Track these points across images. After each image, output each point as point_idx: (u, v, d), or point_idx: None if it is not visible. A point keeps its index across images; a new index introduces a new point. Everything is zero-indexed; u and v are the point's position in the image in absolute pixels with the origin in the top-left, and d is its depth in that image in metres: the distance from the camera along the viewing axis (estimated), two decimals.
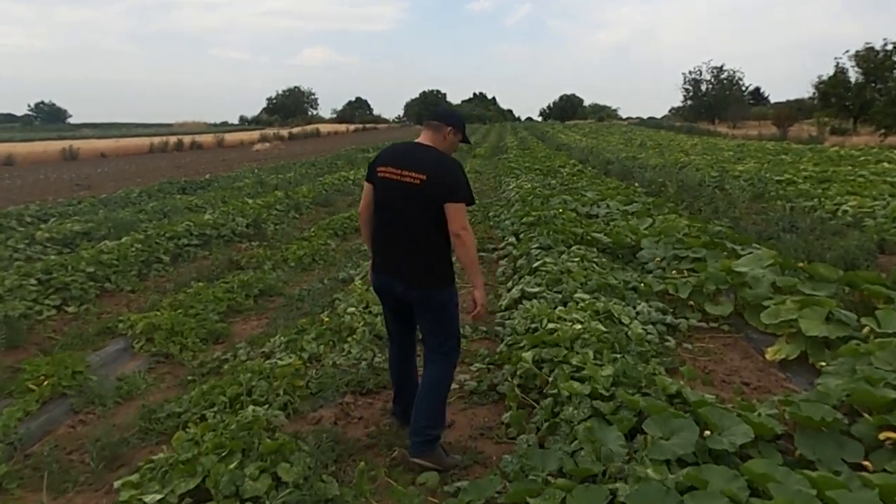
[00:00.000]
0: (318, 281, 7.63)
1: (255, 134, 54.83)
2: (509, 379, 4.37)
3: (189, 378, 4.86)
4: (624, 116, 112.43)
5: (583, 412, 3.38)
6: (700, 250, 7.14)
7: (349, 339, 5.19)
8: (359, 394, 4.41)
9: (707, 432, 3.04)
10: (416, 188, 3.25)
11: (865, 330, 4.78)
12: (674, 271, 6.81)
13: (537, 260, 7.16)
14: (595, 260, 7.11)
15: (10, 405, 4.25)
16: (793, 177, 14.71)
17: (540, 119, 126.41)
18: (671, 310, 5.92)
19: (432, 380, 3.52)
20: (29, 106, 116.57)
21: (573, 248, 7.55)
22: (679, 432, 2.97)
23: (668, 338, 5.36)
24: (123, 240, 8.53)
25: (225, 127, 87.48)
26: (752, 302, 5.72)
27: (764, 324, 5.31)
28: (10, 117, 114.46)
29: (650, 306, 5.82)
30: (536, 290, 6.05)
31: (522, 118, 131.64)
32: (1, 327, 5.51)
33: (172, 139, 43.86)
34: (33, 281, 6.57)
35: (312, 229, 10.73)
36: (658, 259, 7.33)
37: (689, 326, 5.65)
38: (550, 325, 4.85)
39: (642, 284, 6.37)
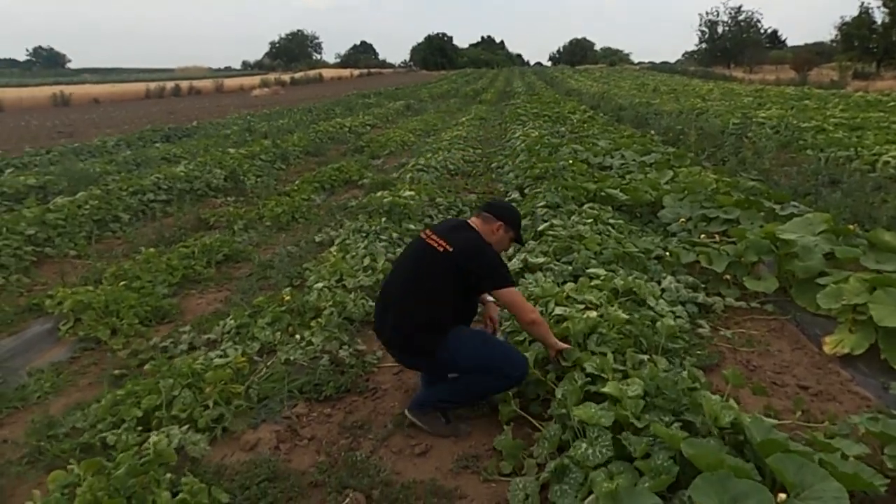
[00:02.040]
0: (294, 244, 6.68)
1: (256, 79, 53.18)
2: None
3: (115, 373, 3.96)
4: (636, 61, 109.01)
5: (601, 452, 2.45)
6: (732, 210, 6.12)
7: (312, 323, 4.27)
8: (314, 401, 3.51)
9: (782, 496, 2.11)
10: (436, 254, 3.04)
11: None
12: (702, 234, 5.80)
13: (544, 221, 6.17)
14: (611, 221, 6.11)
15: None
16: (821, 124, 13.46)
17: (549, 64, 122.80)
18: (703, 285, 4.95)
19: (473, 386, 3.14)
20: (27, 51, 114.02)
21: (585, 206, 6.54)
22: (744, 501, 2.04)
23: (702, 322, 4.41)
24: (78, 195, 7.57)
25: (227, 72, 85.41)
26: (801, 277, 4.74)
27: (819, 306, 4.34)
28: (12, 62, 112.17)
29: (678, 281, 4.85)
30: (542, 260, 5.08)
31: (531, 63, 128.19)
32: None
33: (169, 84, 42.54)
34: None
35: (297, 182, 9.72)
36: (683, 220, 6.31)
37: (724, 306, 4.69)
38: (558, 311, 3.90)
39: (668, 254, 5.38)
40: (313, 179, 9.80)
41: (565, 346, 3.24)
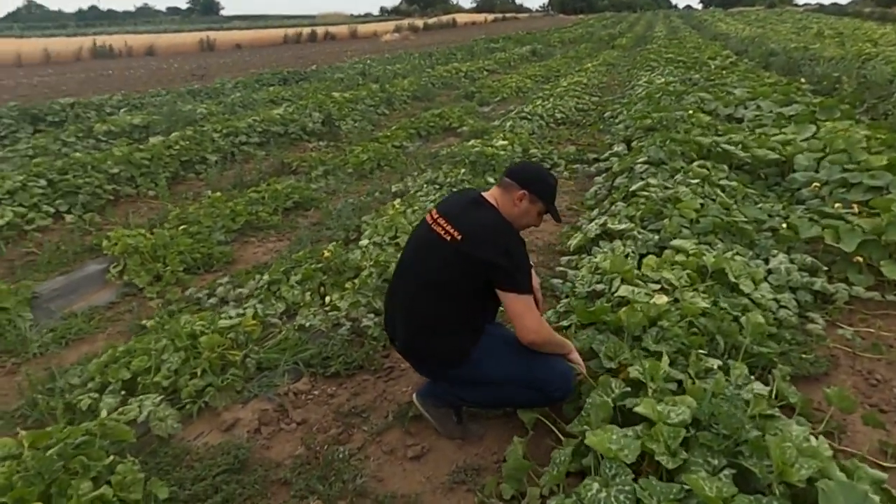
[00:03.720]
0: (368, 193, 6.29)
1: (390, 25, 53.41)
2: None
3: (142, 323, 3.76)
4: (800, 2, 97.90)
5: (616, 499, 1.82)
6: (882, 174, 4.93)
7: (348, 284, 3.85)
8: (320, 377, 3.10)
9: None
10: (442, 244, 2.40)
11: None
12: (837, 204, 4.71)
13: (640, 180, 5.34)
14: (722, 183, 5.15)
15: None
16: None
17: (700, 7, 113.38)
18: (825, 267, 3.98)
19: (503, 396, 2.57)
20: None
21: (694, 164, 5.58)
22: None
23: (814, 316, 3.51)
24: (172, 136, 7.61)
25: (365, 19, 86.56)
26: None
27: None
28: (174, 10, 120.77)
29: (791, 261, 3.92)
30: (623, 226, 4.33)
31: (679, 6, 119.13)
32: None
33: (306, 31, 43.66)
34: (42, 182, 5.78)
35: (394, 128, 9.31)
36: (816, 185, 5.20)
37: (849, 297, 3.72)
38: (623, 291, 3.20)
39: (785, 225, 4.41)
40: (410, 125, 9.35)
41: (577, 362, 2.55)
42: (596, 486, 1.88)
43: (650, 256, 3.74)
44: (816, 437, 2.08)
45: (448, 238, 2.39)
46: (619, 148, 7.18)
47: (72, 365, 3.26)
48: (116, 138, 8.19)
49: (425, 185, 5.88)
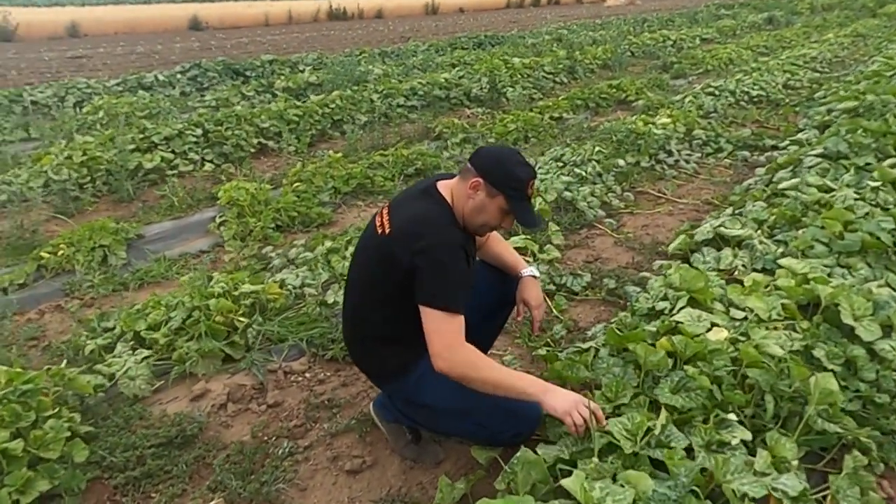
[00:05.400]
0: None
1: None
2: None
3: (209, 274, 3.86)
4: None
5: None
6: None
7: None
8: (319, 358, 2.90)
9: None
10: (377, 238, 2.07)
11: None
12: None
13: (806, 173, 4.34)
14: None
15: (10, 272, 3.83)
16: None
17: None
18: None
19: (445, 427, 2.23)
20: None
21: (886, 162, 4.39)
22: None
23: None
24: (332, 94, 7.85)
25: None
26: None
27: None
28: None
29: None
30: (739, 231, 3.52)
31: None
32: (124, 178, 5.26)
33: None
34: (198, 131, 6.26)
35: (561, 97, 8.74)
36: None
37: None
38: (682, 314, 2.58)
39: None
40: (578, 96, 8.69)
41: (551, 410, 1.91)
42: None
43: (751, 276, 2.98)
44: None
45: (380, 231, 2.04)
46: (808, 134, 5.95)
47: (121, 308, 3.42)
48: (292, 94, 8.66)
49: (547, 163, 5.36)
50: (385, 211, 2.09)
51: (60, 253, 3.98)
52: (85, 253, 3.99)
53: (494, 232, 2.40)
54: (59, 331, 3.36)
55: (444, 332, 1.88)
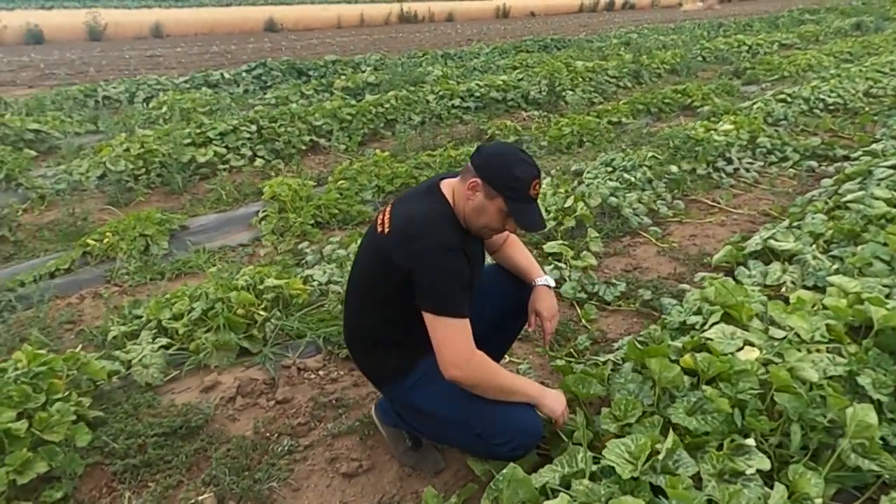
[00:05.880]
0: (546, 171, 5.78)
1: None
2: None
3: (238, 266, 3.89)
4: None
5: None
6: None
7: None
8: (334, 357, 2.86)
9: None
10: (377, 238, 2.00)
11: None
12: None
13: (874, 186, 4.04)
14: None
15: (58, 258, 3.97)
16: None
17: None
18: None
19: (445, 437, 2.16)
20: None
21: None
22: None
23: None
24: (388, 94, 7.88)
25: None
26: None
27: None
28: None
29: None
30: (790, 245, 3.28)
31: None
32: (176, 171, 5.40)
33: (604, 0, 42.46)
34: (253, 128, 6.37)
35: (622, 102, 8.49)
36: None
37: None
38: (712, 331, 2.42)
39: None
40: (639, 100, 8.42)
41: (552, 413, 1.96)
42: None
43: (798, 293, 2.76)
44: None
45: (379, 230, 1.97)
46: (884, 145, 5.55)
47: (153, 296, 3.48)
48: (350, 94, 8.74)
49: (596, 167, 5.18)
50: (387, 209, 2.03)
51: (105, 241, 4.10)
52: (128, 242, 4.10)
53: (512, 235, 2.31)
54: (95, 316, 3.44)
55: (454, 341, 1.82)
